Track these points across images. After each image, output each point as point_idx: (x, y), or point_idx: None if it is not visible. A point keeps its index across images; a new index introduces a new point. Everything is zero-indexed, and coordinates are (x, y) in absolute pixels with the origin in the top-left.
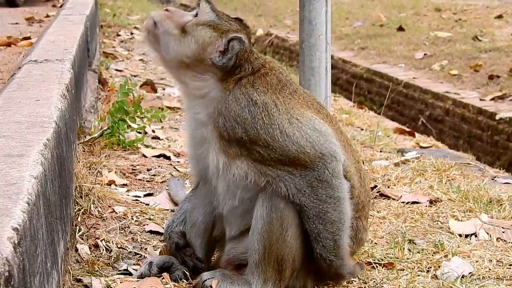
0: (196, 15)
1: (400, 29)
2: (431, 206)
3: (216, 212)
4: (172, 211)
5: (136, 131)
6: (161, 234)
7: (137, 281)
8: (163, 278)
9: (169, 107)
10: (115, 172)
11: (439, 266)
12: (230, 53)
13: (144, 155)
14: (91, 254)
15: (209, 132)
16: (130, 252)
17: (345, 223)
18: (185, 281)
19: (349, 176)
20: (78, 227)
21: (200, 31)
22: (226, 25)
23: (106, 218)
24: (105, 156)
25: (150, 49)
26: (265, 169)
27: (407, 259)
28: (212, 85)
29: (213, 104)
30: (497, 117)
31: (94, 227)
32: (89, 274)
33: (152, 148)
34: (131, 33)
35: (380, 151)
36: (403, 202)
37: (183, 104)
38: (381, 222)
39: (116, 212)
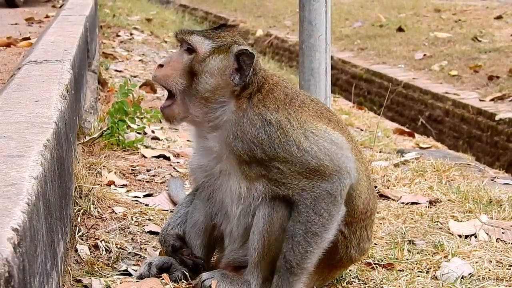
0: (189, 51)
1: (400, 29)
2: (430, 207)
3: (216, 225)
4: (172, 211)
5: (135, 131)
6: None
7: (137, 281)
8: (163, 278)
9: None
10: (115, 173)
11: (438, 267)
12: (247, 69)
13: (143, 156)
14: (90, 254)
15: (227, 162)
16: (130, 252)
17: (324, 241)
18: (184, 281)
19: (357, 191)
20: (77, 228)
21: (210, 62)
22: (223, 41)
23: (106, 219)
24: (104, 157)
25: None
26: (277, 189)
27: (407, 259)
28: (227, 107)
29: (227, 128)
30: (497, 118)
31: (94, 228)
32: (89, 275)
33: (152, 148)
34: (131, 34)
35: (380, 152)
36: (402, 203)
37: (195, 143)
38: (381, 223)
39: (115, 213)
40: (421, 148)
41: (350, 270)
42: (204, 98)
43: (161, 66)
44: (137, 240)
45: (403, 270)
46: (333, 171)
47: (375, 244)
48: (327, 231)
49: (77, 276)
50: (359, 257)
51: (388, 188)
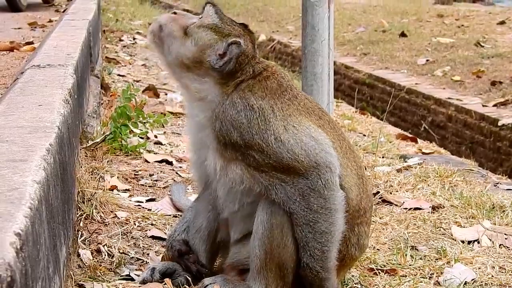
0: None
1: (403, 35)
2: (433, 212)
3: (220, 217)
4: (175, 216)
5: (138, 136)
6: (163, 239)
7: (139, 286)
8: (165, 284)
9: (171, 112)
10: (118, 177)
11: (441, 273)
12: (228, 57)
13: (146, 160)
14: (93, 259)
15: (207, 136)
16: (132, 257)
17: (335, 235)
18: (187, 286)
19: (347, 185)
20: (80, 232)
21: (201, 33)
22: (228, 29)
23: (108, 223)
24: (107, 161)
25: (155, 51)
26: (258, 176)
27: (410, 265)
28: (211, 88)
29: (211, 107)
30: (500, 123)
31: (96, 232)
32: (91, 280)
33: (155, 153)
34: (134, 38)
35: (383, 157)
36: (405, 208)
37: (185, 109)
38: (384, 228)
39: (118, 217)
40: (423, 153)
41: (352, 276)
42: (185, 65)
43: (175, 13)
44: (139, 245)
45: (406, 276)
46: (309, 167)
47: (378, 249)
48: (333, 224)
49: (80, 281)
50: (360, 255)
51: (391, 193)
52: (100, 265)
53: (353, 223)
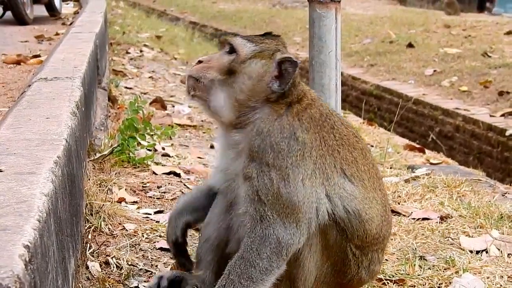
0: (230, 52)
1: (410, 45)
2: (441, 223)
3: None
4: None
5: (146, 148)
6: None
7: None
8: None
9: (178, 124)
10: (125, 190)
11: (450, 282)
12: (287, 77)
13: (154, 173)
14: (101, 271)
15: (242, 160)
16: (141, 269)
17: None
18: None
19: (368, 216)
20: (88, 245)
21: (250, 65)
22: (267, 47)
23: (117, 236)
24: (115, 174)
25: (200, 106)
26: (252, 202)
27: (418, 275)
28: (263, 109)
29: (255, 124)
30: (507, 133)
31: (105, 245)
32: None
33: (162, 165)
34: (141, 51)
35: (390, 168)
36: (413, 219)
37: (219, 138)
38: (392, 239)
39: (126, 230)
40: (431, 164)
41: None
42: (238, 101)
43: (200, 62)
44: (148, 256)
45: (415, 286)
46: (301, 222)
47: (386, 259)
48: (262, 281)
49: None
50: (368, 279)
51: (399, 204)
52: (109, 277)
53: (369, 249)
